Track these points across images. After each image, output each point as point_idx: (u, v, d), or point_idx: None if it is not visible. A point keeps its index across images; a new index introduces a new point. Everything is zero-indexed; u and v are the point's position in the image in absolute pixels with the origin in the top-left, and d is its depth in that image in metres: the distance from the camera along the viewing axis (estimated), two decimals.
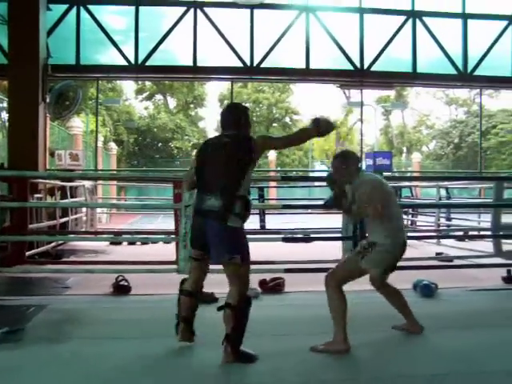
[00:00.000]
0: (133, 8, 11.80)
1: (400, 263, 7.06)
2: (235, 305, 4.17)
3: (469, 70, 12.54)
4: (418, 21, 12.39)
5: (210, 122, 46.36)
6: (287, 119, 43.20)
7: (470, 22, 12.53)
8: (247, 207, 4.14)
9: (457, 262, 8.35)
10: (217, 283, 6.59)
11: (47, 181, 10.47)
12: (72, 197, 11.70)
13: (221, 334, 4.13)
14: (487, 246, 8.67)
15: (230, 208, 4.02)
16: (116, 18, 12.72)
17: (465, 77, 12.67)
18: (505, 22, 12.62)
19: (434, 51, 12.48)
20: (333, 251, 7.40)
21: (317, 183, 20.37)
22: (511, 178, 17.19)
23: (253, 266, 6.58)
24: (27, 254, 8.34)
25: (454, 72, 12.57)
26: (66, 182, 11.30)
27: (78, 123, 23.75)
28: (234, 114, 4.43)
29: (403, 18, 12.41)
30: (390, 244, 4.53)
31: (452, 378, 3.79)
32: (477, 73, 12.59)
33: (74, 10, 11.64)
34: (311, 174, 37.39)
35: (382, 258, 4.53)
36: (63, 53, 11.73)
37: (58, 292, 6.62)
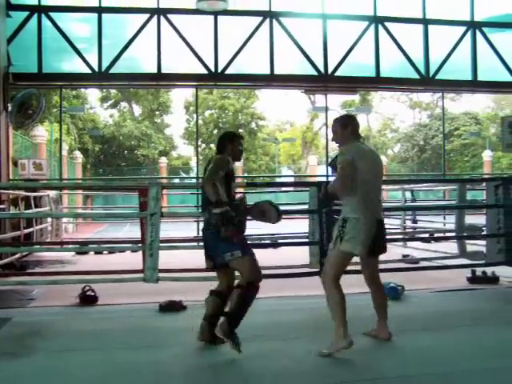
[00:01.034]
0: (95, 15, 11.68)
1: None
2: (243, 285, 4.56)
3: (431, 74, 12.73)
4: (380, 26, 12.53)
5: (177, 129, 46.16)
6: (253, 125, 43.26)
7: (430, 27, 12.72)
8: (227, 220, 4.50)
9: (423, 263, 8.46)
10: (184, 291, 6.60)
11: (10, 191, 10.29)
12: (36, 207, 11.50)
13: (185, 341, 4.10)
14: (452, 247, 8.79)
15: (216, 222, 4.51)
16: (79, 26, 12.57)
17: (427, 81, 12.86)
18: (464, 28, 12.85)
19: (397, 56, 12.63)
20: (300, 256, 7.43)
21: (283, 188, 20.42)
22: (474, 179, 17.48)
23: None
24: None
25: (416, 76, 12.74)
26: (29, 192, 11.11)
27: (42, 132, 23.41)
28: (219, 140, 4.97)
29: (366, 23, 12.54)
30: (362, 219, 4.40)
31: (418, 380, 3.83)
32: (438, 77, 12.79)
33: (35, 18, 11.46)
34: (278, 180, 37.49)
35: (355, 234, 4.39)
36: (25, 61, 11.54)
37: (23, 304, 6.50)
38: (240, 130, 42.24)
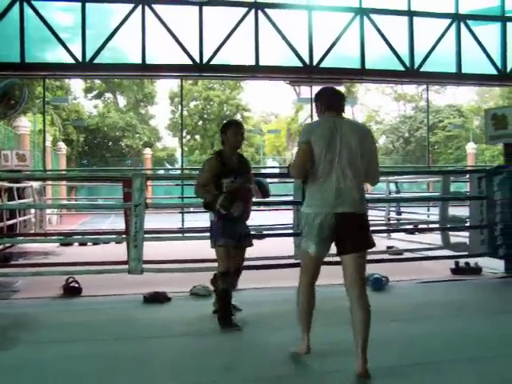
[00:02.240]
0: (79, 4, 11.55)
1: None
2: (214, 276, 5.24)
3: (415, 66, 12.76)
4: (365, 18, 12.54)
5: (162, 120, 45.94)
6: (238, 116, 43.16)
7: (415, 19, 12.74)
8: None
9: (407, 254, 8.51)
10: (169, 283, 6.59)
11: None
12: (20, 198, 11.42)
13: (169, 332, 4.09)
14: (436, 238, 8.86)
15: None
16: (62, 15, 12.42)
17: (412, 73, 12.88)
18: (448, 20, 12.89)
19: (382, 48, 12.64)
20: (285, 248, 7.44)
21: (268, 179, 20.35)
22: (458, 171, 17.59)
23: (205, 264, 6.62)
24: None
25: (401, 68, 12.77)
26: (12, 183, 11.02)
27: (25, 123, 23.18)
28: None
29: (351, 15, 12.53)
30: (312, 213, 3.77)
31: (404, 370, 3.86)
32: (423, 69, 12.82)
33: (17, 6, 11.31)
34: (263, 171, 37.48)
35: (308, 231, 3.82)
36: (7, 50, 11.39)
37: (6, 296, 6.46)
38: (225, 122, 42.18)
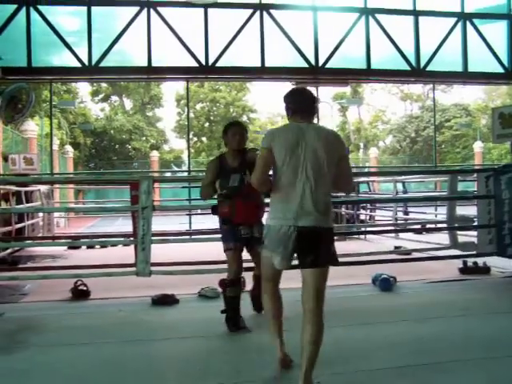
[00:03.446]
0: (85, 8, 11.60)
1: (359, 258, 7.25)
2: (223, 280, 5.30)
3: (421, 65, 12.73)
4: (370, 18, 12.52)
5: (168, 122, 45.99)
6: (244, 118, 43.20)
7: (421, 18, 12.71)
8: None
9: (415, 254, 8.49)
10: (177, 285, 6.60)
11: (1, 186, 10.24)
12: (28, 202, 11.47)
13: (177, 335, 4.09)
14: (444, 238, 8.82)
15: None
16: (68, 19, 12.47)
17: (418, 72, 12.86)
18: (454, 19, 12.86)
19: (387, 48, 12.62)
20: None
21: None
22: (465, 170, 17.52)
23: (213, 266, 6.63)
24: None
25: (407, 68, 12.74)
26: (20, 187, 11.07)
27: (33, 126, 23.29)
28: None
29: (356, 15, 12.52)
30: (273, 227, 3.55)
31: (411, 370, 3.85)
32: (429, 68, 12.79)
33: (23, 11, 11.37)
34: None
35: (268, 243, 3.61)
36: (14, 55, 11.45)
37: (15, 299, 6.48)
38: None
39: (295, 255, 3.55)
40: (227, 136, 5.10)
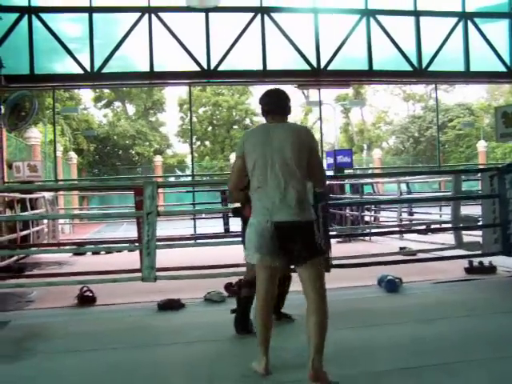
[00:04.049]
0: (86, 15, 11.64)
1: (364, 260, 7.24)
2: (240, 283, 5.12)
3: (423, 65, 12.73)
4: (371, 19, 12.53)
5: (171, 127, 46.06)
6: (247, 121, 43.24)
7: (422, 19, 12.72)
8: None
9: (420, 255, 8.47)
10: (183, 290, 6.61)
11: (5, 194, 10.27)
12: (32, 209, 11.49)
13: (184, 339, 4.09)
14: (449, 238, 8.81)
15: None
16: (70, 26, 12.52)
17: (420, 73, 12.86)
18: (455, 19, 12.86)
19: (389, 48, 12.63)
20: None
21: None
22: (469, 170, 17.50)
23: (218, 270, 6.64)
24: None
25: (409, 68, 12.75)
26: (25, 194, 11.10)
27: (36, 134, 23.36)
28: None
29: (357, 16, 12.53)
30: (253, 223, 3.67)
31: (417, 371, 3.84)
32: (431, 68, 12.79)
33: (25, 19, 11.42)
34: None
35: (247, 243, 3.74)
36: (16, 63, 11.49)
37: (21, 307, 6.49)
38: (234, 127, 42.27)
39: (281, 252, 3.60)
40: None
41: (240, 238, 4.97)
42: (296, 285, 4.06)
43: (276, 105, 3.83)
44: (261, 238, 3.58)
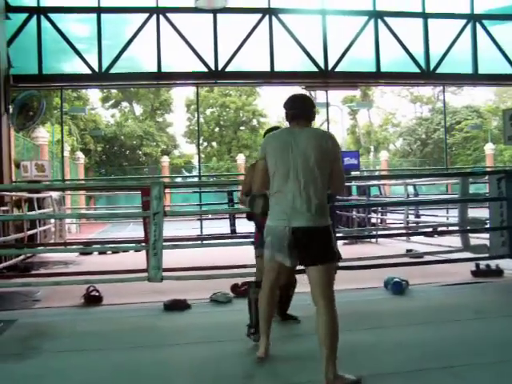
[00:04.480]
0: (94, 15, 11.69)
1: (371, 262, 7.22)
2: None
3: (431, 67, 12.72)
4: (379, 21, 12.52)
5: (179, 127, 46.10)
6: (254, 122, 43.22)
7: (430, 21, 12.71)
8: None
9: (427, 258, 8.45)
10: (189, 290, 6.61)
11: (13, 193, 10.30)
12: (39, 208, 11.52)
13: (190, 340, 4.08)
14: (455, 240, 8.78)
15: None
16: (78, 26, 12.58)
17: (427, 75, 12.84)
18: (464, 21, 12.83)
19: (397, 50, 12.62)
20: None
21: None
22: (476, 173, 17.45)
23: (224, 271, 6.64)
24: None
25: (416, 70, 12.74)
26: (32, 194, 11.13)
27: (44, 133, 23.44)
28: None
29: (365, 18, 12.53)
30: (270, 227, 3.72)
31: (424, 374, 3.82)
32: (439, 70, 12.78)
33: (34, 19, 11.48)
34: None
35: (266, 243, 3.79)
36: (25, 62, 11.56)
37: (28, 306, 6.51)
38: (241, 128, 42.28)
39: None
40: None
41: (248, 240, 4.96)
42: (301, 286, 4.07)
43: (301, 109, 3.82)
44: (276, 240, 3.63)
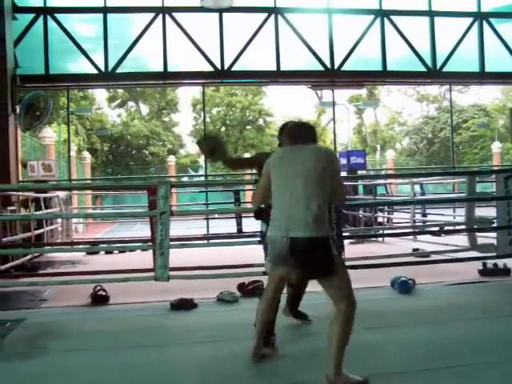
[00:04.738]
0: (101, 15, 11.72)
1: (377, 261, 7.20)
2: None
3: (438, 66, 12.68)
4: (386, 19, 12.50)
5: (185, 127, 46.12)
6: (261, 121, 43.21)
7: (436, 19, 12.68)
8: None
9: (433, 257, 8.42)
10: (195, 289, 6.61)
11: (20, 193, 10.33)
12: (46, 208, 11.55)
13: (196, 339, 4.08)
14: (462, 239, 8.75)
15: None
16: (84, 26, 12.61)
17: (434, 73, 12.81)
18: (470, 19, 12.79)
19: (403, 49, 12.60)
20: None
21: None
22: (483, 172, 17.40)
23: (231, 270, 6.64)
24: (2, 267, 8.20)
25: (423, 69, 12.71)
26: (39, 193, 11.16)
27: (50, 133, 23.50)
28: None
29: (371, 17, 12.51)
30: (269, 238, 3.83)
31: (430, 374, 3.82)
32: (446, 69, 12.74)
33: (40, 19, 11.52)
34: None
35: (268, 253, 3.93)
36: (32, 63, 11.60)
37: (35, 305, 6.52)
38: (248, 127, 42.27)
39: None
40: (282, 137, 4.58)
41: (256, 239, 4.93)
42: (312, 285, 4.06)
43: (305, 133, 4.02)
44: (275, 252, 3.74)
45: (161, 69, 11.91)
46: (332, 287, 3.63)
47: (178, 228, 9.55)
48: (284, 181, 3.75)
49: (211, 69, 12.07)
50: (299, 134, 3.99)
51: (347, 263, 6.59)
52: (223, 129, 42.80)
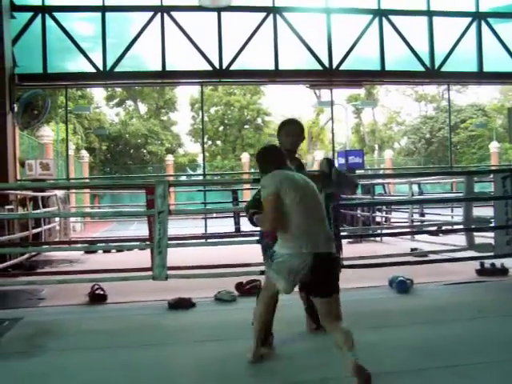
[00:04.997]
0: (99, 14, 11.70)
1: (375, 260, 7.21)
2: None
3: (436, 66, 12.68)
4: (384, 19, 12.50)
5: (183, 126, 46.12)
6: (259, 121, 43.22)
7: (435, 19, 12.68)
8: None
9: (431, 256, 8.43)
10: (193, 289, 6.62)
11: (18, 192, 10.32)
12: (44, 207, 11.54)
13: (194, 338, 4.08)
14: (460, 239, 8.76)
15: None
16: (83, 25, 12.59)
17: (432, 73, 12.81)
18: (469, 19, 12.80)
19: (402, 49, 12.60)
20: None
21: None
22: (481, 171, 17.41)
23: (229, 269, 6.64)
24: None
25: (421, 69, 12.71)
26: (37, 192, 11.15)
27: (48, 132, 23.48)
28: None
29: (370, 16, 12.51)
30: (287, 255, 3.72)
31: (428, 373, 3.82)
32: (444, 69, 12.74)
33: (39, 18, 11.49)
34: None
35: (277, 268, 3.79)
36: (30, 61, 11.58)
37: (33, 304, 6.53)
38: (246, 126, 42.27)
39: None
40: (280, 136, 4.65)
41: (253, 238, 4.84)
42: None
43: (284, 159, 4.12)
44: (290, 270, 3.68)
45: (159, 68, 11.90)
46: (336, 303, 3.69)
47: (175, 227, 9.55)
48: (303, 201, 3.75)
49: (209, 68, 12.06)
50: (279, 158, 4.07)
51: (345, 263, 6.62)
52: (221, 128, 42.82)
